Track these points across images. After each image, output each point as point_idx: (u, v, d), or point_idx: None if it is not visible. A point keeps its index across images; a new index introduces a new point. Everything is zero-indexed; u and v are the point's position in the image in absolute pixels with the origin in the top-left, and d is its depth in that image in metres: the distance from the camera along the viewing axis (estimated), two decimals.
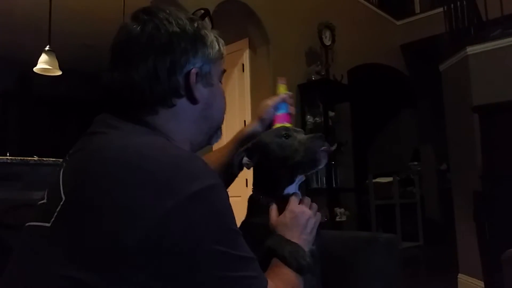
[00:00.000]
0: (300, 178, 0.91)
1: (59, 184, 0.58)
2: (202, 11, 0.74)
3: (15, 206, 1.71)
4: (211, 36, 0.69)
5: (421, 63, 5.40)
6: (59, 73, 3.53)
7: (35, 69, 3.44)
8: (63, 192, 0.56)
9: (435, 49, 4.09)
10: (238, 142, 1.01)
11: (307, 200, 0.86)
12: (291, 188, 0.89)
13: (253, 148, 0.93)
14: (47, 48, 3.38)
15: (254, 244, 0.84)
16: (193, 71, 0.64)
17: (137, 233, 0.49)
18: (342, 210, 3.85)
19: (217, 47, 0.69)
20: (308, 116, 3.88)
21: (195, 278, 0.52)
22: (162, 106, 0.64)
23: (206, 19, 0.73)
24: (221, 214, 0.56)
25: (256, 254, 0.81)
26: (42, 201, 0.61)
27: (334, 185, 3.80)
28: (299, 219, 0.80)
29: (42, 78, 3.88)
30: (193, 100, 0.66)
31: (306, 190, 3.74)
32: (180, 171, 0.54)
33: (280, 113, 1.01)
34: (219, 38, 0.71)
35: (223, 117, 0.76)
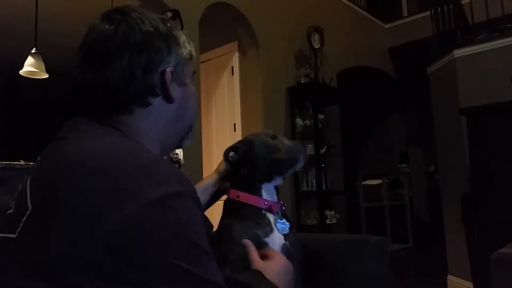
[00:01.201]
0: (277, 181, 0.97)
1: (26, 192, 0.56)
2: (172, 13, 0.74)
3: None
4: (182, 36, 0.69)
5: (409, 66, 5.46)
6: (46, 76, 3.48)
7: (21, 72, 3.39)
8: (30, 201, 0.54)
9: (423, 52, 4.13)
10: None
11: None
12: (268, 188, 0.95)
13: (240, 145, 1.01)
14: (33, 50, 3.33)
15: (230, 243, 0.87)
16: (168, 69, 0.64)
17: (94, 242, 0.47)
18: (332, 212, 3.85)
19: (188, 47, 0.70)
20: (298, 119, 3.88)
21: None
22: (137, 105, 0.63)
23: (177, 20, 0.73)
24: (186, 225, 0.52)
25: (231, 254, 0.85)
26: (10, 211, 0.58)
27: (324, 188, 3.81)
28: (286, 273, 0.81)
29: (29, 81, 3.82)
30: (169, 99, 0.65)
31: (296, 194, 3.74)
32: (146, 175, 0.52)
33: None
34: (189, 40, 0.72)
35: (195, 117, 0.76)
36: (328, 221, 3.74)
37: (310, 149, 3.81)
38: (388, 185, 5.47)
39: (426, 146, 5.54)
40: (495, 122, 2.27)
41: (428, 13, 3.67)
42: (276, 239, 0.91)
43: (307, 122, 3.87)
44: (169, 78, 0.64)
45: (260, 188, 0.95)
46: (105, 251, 0.47)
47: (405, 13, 5.72)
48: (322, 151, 3.87)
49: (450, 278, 3.09)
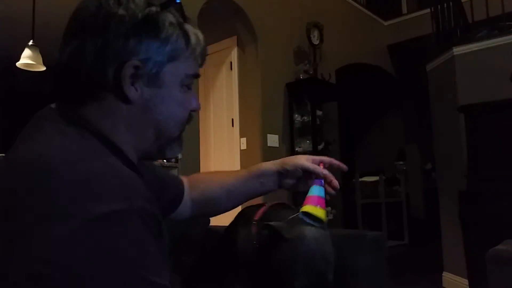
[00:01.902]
0: None
1: None
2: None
3: None
4: (173, 30, 0.56)
5: (407, 63, 5.45)
6: (43, 68, 3.45)
7: (18, 64, 3.36)
8: None
9: (422, 50, 4.13)
10: (252, 175, 0.89)
11: None
12: None
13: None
14: (30, 43, 3.30)
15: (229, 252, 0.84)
16: (130, 63, 0.53)
17: (22, 266, 0.41)
18: (329, 209, 3.86)
19: (182, 45, 0.58)
20: (296, 115, 3.88)
21: None
22: (89, 97, 0.54)
23: (176, 12, 0.59)
24: (125, 251, 0.44)
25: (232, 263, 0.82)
26: None
27: None
28: None
29: (25, 73, 3.79)
30: (122, 98, 0.54)
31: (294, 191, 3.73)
32: (86, 189, 0.44)
33: (315, 195, 0.83)
34: (199, 38, 0.61)
35: (178, 128, 0.62)
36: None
37: (308, 145, 3.81)
38: (384, 182, 5.48)
39: (423, 143, 5.55)
40: (494, 120, 2.28)
41: (428, 10, 3.66)
42: None
43: (305, 118, 3.87)
44: (128, 72, 0.53)
45: None
46: (27, 278, 0.41)
47: (404, 10, 5.71)
48: (320, 147, 3.87)
49: (445, 275, 3.11)
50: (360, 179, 5.42)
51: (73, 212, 0.43)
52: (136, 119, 0.57)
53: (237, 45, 3.84)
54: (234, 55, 3.86)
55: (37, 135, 0.52)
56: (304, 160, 0.88)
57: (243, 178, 0.89)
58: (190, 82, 0.61)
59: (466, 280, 2.57)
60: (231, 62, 3.88)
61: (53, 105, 0.58)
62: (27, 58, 3.28)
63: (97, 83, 0.53)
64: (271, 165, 0.89)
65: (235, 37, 3.84)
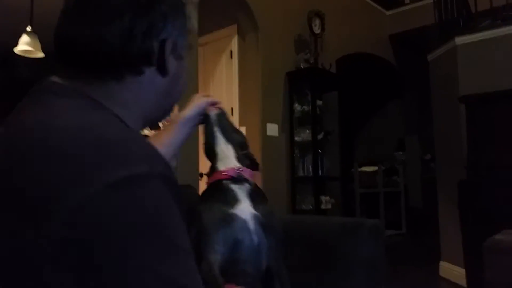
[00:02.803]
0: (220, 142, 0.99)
1: None
2: None
3: None
4: (188, 8, 0.64)
5: (409, 53, 5.42)
6: (42, 55, 3.43)
7: (16, 50, 3.34)
8: None
9: (424, 40, 4.10)
10: (181, 124, 1.02)
11: None
12: (223, 156, 0.97)
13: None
14: (28, 29, 3.27)
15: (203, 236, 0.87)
16: (170, 40, 0.59)
17: (42, 234, 0.40)
18: (327, 198, 3.87)
19: (191, 20, 0.65)
20: (296, 105, 3.86)
21: None
22: (129, 71, 0.57)
23: None
24: (153, 215, 0.43)
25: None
26: None
27: (320, 174, 3.82)
28: None
29: (24, 60, 3.76)
30: (163, 71, 0.59)
31: (292, 179, 3.75)
32: (105, 153, 0.44)
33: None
34: (193, 11, 0.68)
35: (183, 94, 0.70)
36: (323, 207, 3.75)
37: (307, 135, 3.81)
38: (383, 172, 5.50)
39: (423, 134, 5.55)
40: (495, 111, 2.27)
41: (430, 0, 3.63)
42: (245, 209, 0.90)
43: (305, 107, 3.86)
44: (169, 48, 0.59)
45: (217, 160, 0.96)
46: (51, 246, 0.40)
47: (407, 0, 5.66)
48: (320, 137, 3.87)
49: (442, 264, 3.13)
50: (359, 169, 5.44)
51: (94, 175, 0.42)
52: (164, 89, 0.62)
53: (238, 34, 3.81)
54: (234, 43, 3.83)
55: (51, 108, 0.52)
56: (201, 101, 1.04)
57: (176, 130, 1.01)
58: (188, 52, 0.68)
59: (463, 270, 2.60)
60: (231, 51, 3.85)
61: (55, 79, 0.57)
62: (25, 45, 3.26)
63: (143, 59, 0.57)
64: (189, 111, 1.03)
65: (235, 26, 3.81)
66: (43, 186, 0.42)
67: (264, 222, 0.89)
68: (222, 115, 1.01)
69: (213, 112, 1.01)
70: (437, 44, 3.18)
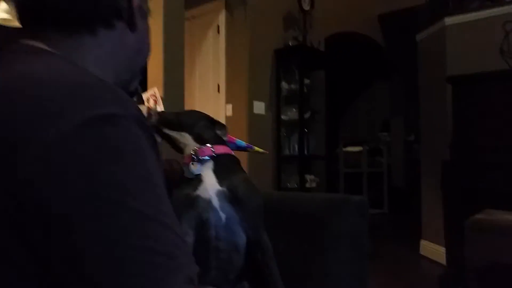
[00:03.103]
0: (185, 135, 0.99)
1: None
2: None
3: None
4: None
5: (398, 34, 5.39)
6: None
7: None
8: None
9: (413, 21, 4.07)
10: None
11: None
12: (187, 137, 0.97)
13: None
14: None
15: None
16: None
17: (20, 169, 0.39)
18: (312, 177, 3.89)
19: None
20: (283, 83, 3.83)
21: (72, 244, 0.39)
22: (102, 25, 0.56)
23: None
24: (128, 151, 0.42)
25: None
26: None
27: (305, 153, 3.83)
28: None
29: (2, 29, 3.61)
30: (132, 25, 0.59)
31: (277, 157, 3.75)
32: (77, 95, 0.43)
33: None
34: None
35: (145, 60, 0.68)
36: (307, 185, 3.78)
37: (294, 113, 3.79)
38: (368, 152, 5.55)
39: (409, 116, 5.59)
40: (481, 92, 2.28)
41: None
42: (208, 188, 0.90)
43: (293, 86, 3.83)
44: (136, 3, 0.59)
45: (184, 153, 0.97)
46: (25, 183, 0.39)
47: None
48: (306, 116, 3.85)
49: (423, 242, 3.20)
50: (344, 149, 5.47)
51: (65, 115, 0.41)
52: (133, 47, 0.61)
53: (225, 8, 3.72)
54: (221, 18, 3.74)
55: (15, 61, 0.50)
56: None
57: None
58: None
59: (443, 248, 2.66)
60: (218, 26, 3.76)
61: (26, 41, 0.55)
62: (3, 12, 3.11)
63: (114, 12, 0.57)
64: None
65: (223, 0, 3.71)
66: (18, 126, 0.41)
67: (231, 196, 0.89)
68: (161, 117, 1.02)
69: (152, 121, 1.00)
70: (426, 25, 3.16)
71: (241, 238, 0.91)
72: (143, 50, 0.65)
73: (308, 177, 3.84)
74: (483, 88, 2.26)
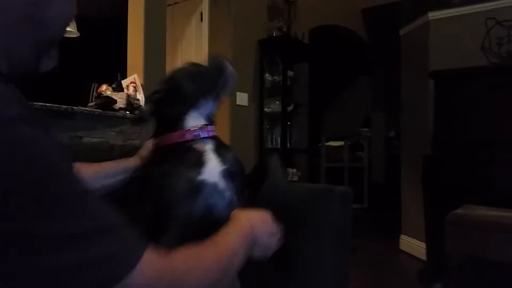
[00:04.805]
0: (207, 105, 0.89)
1: None
2: None
3: None
4: None
5: (381, 30, 5.40)
6: None
7: None
8: None
9: (396, 15, 4.07)
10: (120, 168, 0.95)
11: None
12: (195, 116, 0.87)
13: (159, 86, 0.92)
14: None
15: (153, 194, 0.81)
16: None
17: None
18: (294, 170, 3.87)
19: None
20: (267, 75, 3.78)
21: None
22: None
23: None
24: (23, 159, 0.39)
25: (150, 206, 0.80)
26: None
27: (288, 146, 3.80)
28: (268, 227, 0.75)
29: None
30: None
31: (260, 150, 3.70)
32: None
33: None
34: None
35: (63, 31, 0.55)
36: (289, 179, 3.75)
37: (277, 106, 3.75)
38: (349, 147, 5.57)
39: (390, 112, 5.63)
40: (462, 87, 2.28)
41: None
42: (212, 171, 0.84)
43: (276, 78, 3.78)
44: None
45: (184, 119, 0.86)
46: None
47: None
48: (289, 108, 3.82)
49: (403, 237, 3.22)
50: (326, 143, 5.48)
51: None
52: (22, 12, 0.48)
53: None
54: (205, 5, 3.65)
55: None
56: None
57: (122, 167, 0.95)
58: None
59: (423, 243, 2.67)
60: (201, 13, 3.67)
61: None
62: None
63: None
64: (130, 162, 0.96)
65: None
66: None
67: (231, 171, 0.86)
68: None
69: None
70: (410, 19, 3.15)
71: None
72: (45, 20, 0.51)
73: (290, 170, 3.81)
74: (466, 84, 2.27)
